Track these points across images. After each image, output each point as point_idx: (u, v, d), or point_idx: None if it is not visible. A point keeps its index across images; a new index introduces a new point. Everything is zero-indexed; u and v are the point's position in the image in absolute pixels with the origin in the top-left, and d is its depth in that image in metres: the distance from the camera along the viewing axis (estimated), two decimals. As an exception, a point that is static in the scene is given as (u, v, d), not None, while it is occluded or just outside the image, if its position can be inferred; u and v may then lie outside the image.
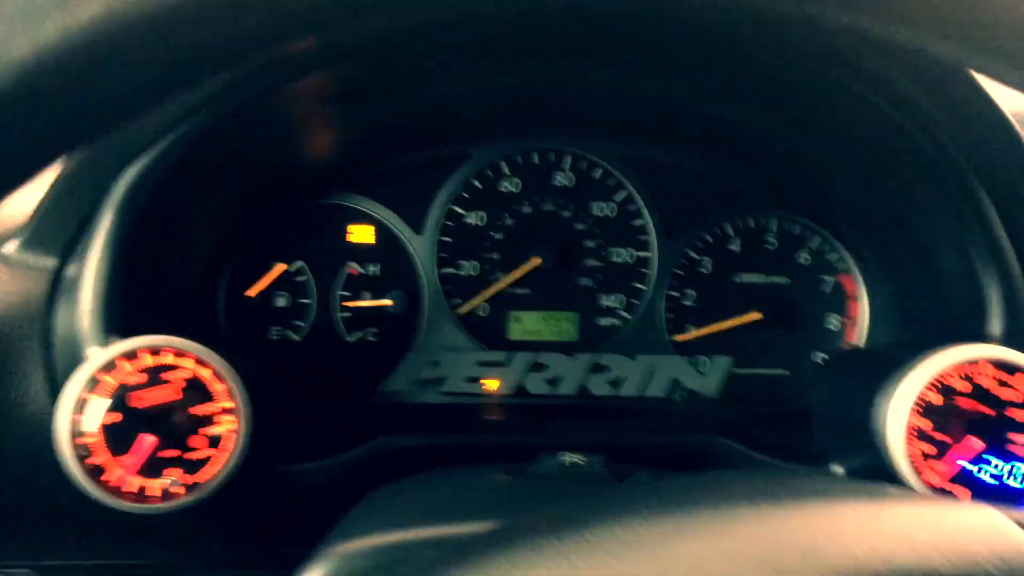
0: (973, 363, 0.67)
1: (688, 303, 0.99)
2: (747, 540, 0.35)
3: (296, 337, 0.96)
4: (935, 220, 0.77)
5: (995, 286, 0.73)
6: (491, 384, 0.97)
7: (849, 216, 0.92)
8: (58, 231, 0.72)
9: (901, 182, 0.78)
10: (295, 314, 0.96)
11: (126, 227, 0.69)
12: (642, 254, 0.99)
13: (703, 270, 0.99)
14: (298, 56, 0.65)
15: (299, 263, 0.95)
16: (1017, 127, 0.71)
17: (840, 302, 0.99)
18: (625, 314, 0.99)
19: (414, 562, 0.37)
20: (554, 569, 0.33)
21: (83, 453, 0.63)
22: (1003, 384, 0.68)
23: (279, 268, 0.94)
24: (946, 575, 0.34)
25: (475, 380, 0.97)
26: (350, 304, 0.96)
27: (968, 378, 0.68)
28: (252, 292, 0.94)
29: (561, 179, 0.98)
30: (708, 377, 0.98)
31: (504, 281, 0.97)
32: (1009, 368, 0.67)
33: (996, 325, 0.73)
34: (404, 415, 0.95)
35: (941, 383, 0.68)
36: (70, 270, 0.72)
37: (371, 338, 0.97)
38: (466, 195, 0.97)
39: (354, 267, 0.96)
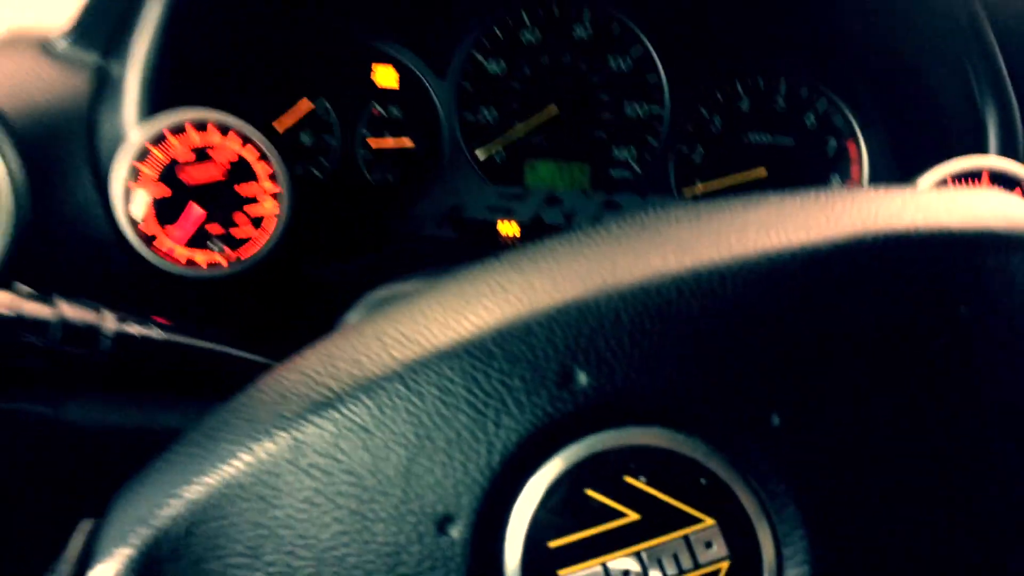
0: (975, 176, 0.72)
1: (697, 159, 1.03)
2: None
3: (319, 174, 1.00)
4: (940, 55, 0.81)
5: (993, 119, 0.78)
6: (507, 228, 1.01)
7: (856, 68, 0.96)
8: (103, 26, 0.75)
9: (909, 23, 0.82)
10: (319, 151, 0.99)
11: (172, 18, 0.71)
12: (655, 109, 1.02)
13: (713, 128, 1.03)
14: None
15: (323, 101, 0.98)
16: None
17: (843, 164, 1.03)
18: (636, 167, 1.03)
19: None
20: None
21: (137, 222, 0.67)
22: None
23: (305, 104, 0.97)
24: (956, 232, 0.38)
25: (494, 209, 1.01)
26: (372, 144, 1.00)
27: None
28: (280, 126, 0.97)
29: (580, 32, 1.01)
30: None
31: (521, 128, 1.01)
32: (1008, 181, 0.72)
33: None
34: (422, 249, 0.99)
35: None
36: (114, 68, 0.75)
37: (391, 178, 1.01)
38: (487, 43, 1.01)
39: (377, 108, 0.99)
